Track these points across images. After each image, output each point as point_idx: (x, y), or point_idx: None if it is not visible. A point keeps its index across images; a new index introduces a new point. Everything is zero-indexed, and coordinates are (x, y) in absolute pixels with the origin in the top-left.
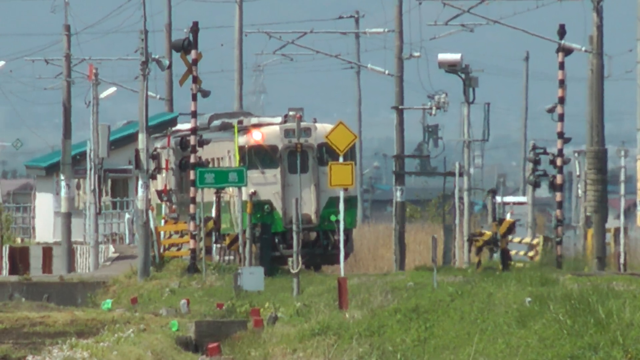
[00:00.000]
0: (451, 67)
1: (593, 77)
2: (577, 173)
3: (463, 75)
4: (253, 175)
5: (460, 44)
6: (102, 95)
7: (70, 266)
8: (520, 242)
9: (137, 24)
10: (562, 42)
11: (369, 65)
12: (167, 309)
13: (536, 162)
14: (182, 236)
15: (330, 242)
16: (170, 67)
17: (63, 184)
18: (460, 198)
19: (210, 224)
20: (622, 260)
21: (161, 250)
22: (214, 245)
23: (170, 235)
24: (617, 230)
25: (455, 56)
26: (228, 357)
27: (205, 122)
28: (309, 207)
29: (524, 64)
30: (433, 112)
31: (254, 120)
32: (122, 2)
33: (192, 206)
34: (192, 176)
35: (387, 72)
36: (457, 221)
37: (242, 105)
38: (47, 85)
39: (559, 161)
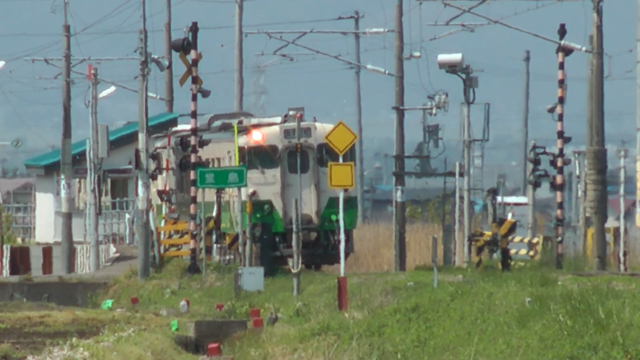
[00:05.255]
0: (451, 68)
1: (593, 77)
2: (577, 173)
3: (463, 76)
4: (253, 175)
5: (460, 44)
6: (101, 95)
7: (71, 266)
8: (520, 241)
9: (136, 24)
10: (562, 42)
11: (369, 66)
12: (167, 309)
13: (536, 162)
14: (182, 236)
15: (330, 243)
16: (170, 67)
17: (63, 183)
18: (461, 198)
19: (211, 223)
20: (622, 260)
21: (161, 250)
22: (214, 245)
23: (171, 235)
24: (617, 230)
25: (455, 56)
26: (228, 357)
27: (205, 123)
28: (309, 207)
29: (524, 64)
30: (433, 112)
31: (254, 121)
32: (122, 2)
33: (192, 206)
34: (192, 176)
35: (387, 72)
36: (457, 221)
37: (243, 106)
38: (47, 85)
39: (559, 161)
